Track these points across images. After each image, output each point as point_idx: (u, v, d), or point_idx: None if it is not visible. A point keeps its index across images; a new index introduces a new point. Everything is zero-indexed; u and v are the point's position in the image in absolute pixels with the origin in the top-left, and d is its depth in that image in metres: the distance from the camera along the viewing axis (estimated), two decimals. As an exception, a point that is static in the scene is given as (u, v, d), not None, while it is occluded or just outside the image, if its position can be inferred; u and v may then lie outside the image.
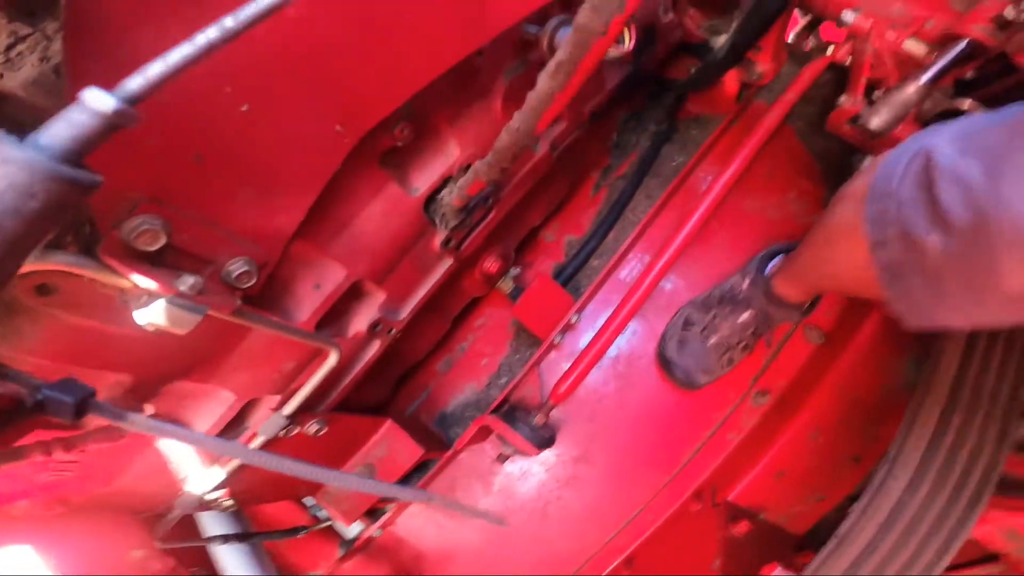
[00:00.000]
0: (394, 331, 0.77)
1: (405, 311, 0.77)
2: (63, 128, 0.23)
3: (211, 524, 1.02)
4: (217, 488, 0.73)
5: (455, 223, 0.71)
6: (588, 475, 1.05)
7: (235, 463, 0.71)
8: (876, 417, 1.05)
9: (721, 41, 0.97)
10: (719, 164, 1.06)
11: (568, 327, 1.03)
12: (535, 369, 1.05)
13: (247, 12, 0.25)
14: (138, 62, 0.25)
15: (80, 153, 0.24)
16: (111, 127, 0.24)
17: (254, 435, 0.70)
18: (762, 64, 0.97)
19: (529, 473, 1.07)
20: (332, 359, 0.68)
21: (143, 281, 0.41)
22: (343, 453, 0.92)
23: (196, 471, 0.71)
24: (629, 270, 1.09)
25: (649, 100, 1.19)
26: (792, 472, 1.07)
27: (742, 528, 1.04)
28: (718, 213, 1.06)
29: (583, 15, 0.34)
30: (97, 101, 0.23)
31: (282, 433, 0.71)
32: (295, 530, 1.05)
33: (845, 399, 1.04)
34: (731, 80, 1.05)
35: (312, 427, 0.77)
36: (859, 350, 1.03)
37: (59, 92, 0.42)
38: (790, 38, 1.12)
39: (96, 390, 0.36)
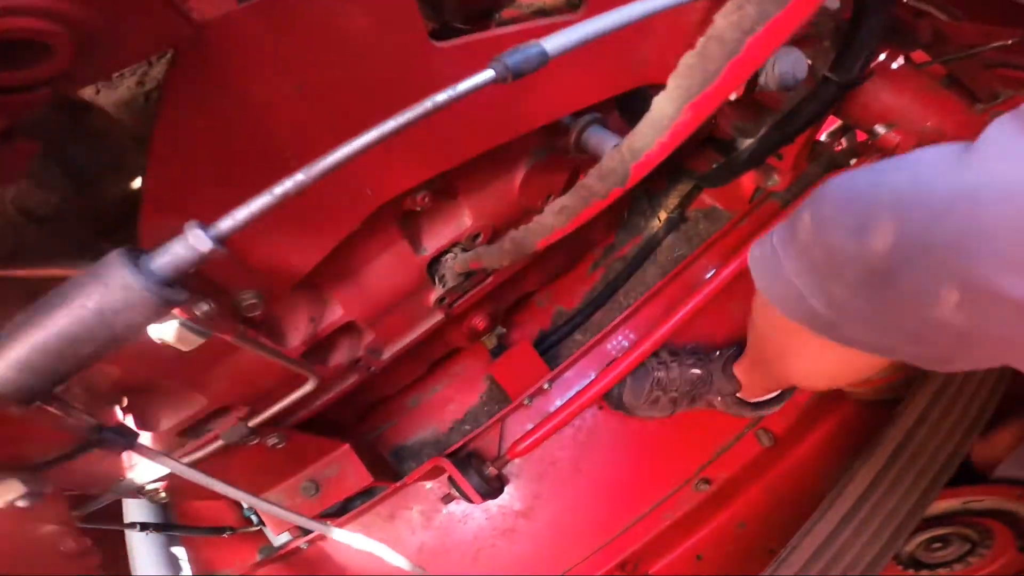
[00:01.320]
0: (373, 369, 0.84)
1: (387, 353, 0.83)
2: (169, 260, 0.30)
3: (135, 510, 1.03)
4: (158, 480, 0.77)
5: (453, 285, 0.78)
6: (525, 530, 1.11)
7: (186, 460, 0.75)
8: (801, 516, 1.11)
9: (747, 143, 1.06)
10: (720, 260, 1.15)
11: (539, 392, 1.10)
12: (499, 423, 1.11)
13: (316, 168, 0.33)
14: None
15: (176, 279, 0.30)
16: (204, 259, 0.31)
17: (215, 437, 0.75)
18: (780, 171, 1.04)
19: (470, 517, 1.12)
20: (309, 385, 0.74)
21: None
22: (295, 466, 0.96)
23: (145, 462, 0.74)
24: (609, 349, 1.16)
25: (666, 184, 1.27)
26: (711, 557, 1.16)
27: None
28: (708, 308, 1.15)
29: (590, 178, 0.40)
30: (197, 240, 0.30)
31: (241, 441, 0.76)
32: (220, 529, 1.07)
33: (777, 497, 1.15)
34: (748, 179, 1.13)
35: (271, 440, 0.82)
36: (801, 457, 1.15)
37: (146, 116, 0.49)
38: (823, 136, 1.22)
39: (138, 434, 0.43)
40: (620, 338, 1.15)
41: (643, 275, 1.21)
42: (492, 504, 1.11)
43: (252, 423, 0.76)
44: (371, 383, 0.97)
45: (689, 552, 1.16)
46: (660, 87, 0.57)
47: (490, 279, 0.85)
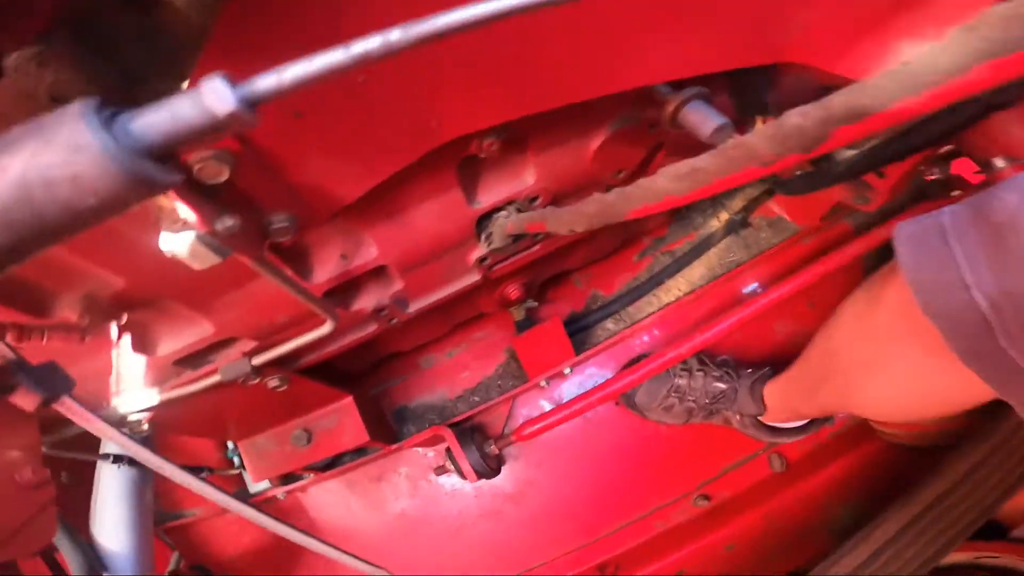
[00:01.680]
0: (395, 321, 0.77)
1: (414, 307, 0.77)
2: (164, 120, 0.20)
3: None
4: (143, 410, 0.72)
5: (498, 246, 0.71)
6: (512, 515, 1.07)
7: (175, 392, 0.69)
8: (791, 547, 1.12)
9: (847, 155, 0.95)
10: (776, 274, 1.07)
11: (558, 375, 1.04)
12: (510, 401, 1.06)
13: (418, 29, 0.25)
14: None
15: (170, 150, 0.21)
16: (219, 129, 0.21)
17: (214, 371, 0.70)
18: (876, 192, 0.93)
19: (459, 493, 1.09)
20: (325, 328, 0.68)
21: (185, 211, 0.40)
22: (290, 411, 0.92)
23: (133, 389, 0.69)
24: (638, 344, 1.10)
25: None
26: (693, 574, 1.12)
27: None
28: (753, 323, 1.08)
29: (756, 137, 0.30)
30: (215, 98, 0.20)
31: (241, 380, 0.71)
32: (198, 469, 1.03)
33: (774, 525, 1.11)
34: (831, 194, 1.04)
35: (273, 381, 0.77)
36: (810, 489, 1.10)
37: (214, 13, 0.42)
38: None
39: (75, 383, 0.36)
40: (653, 334, 1.09)
41: (690, 273, 1.14)
42: (484, 483, 1.07)
43: (256, 361, 0.70)
44: (388, 335, 0.91)
45: (671, 566, 1.13)
46: (796, 68, 0.46)
47: (537, 247, 0.78)
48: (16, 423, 0.72)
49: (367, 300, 0.74)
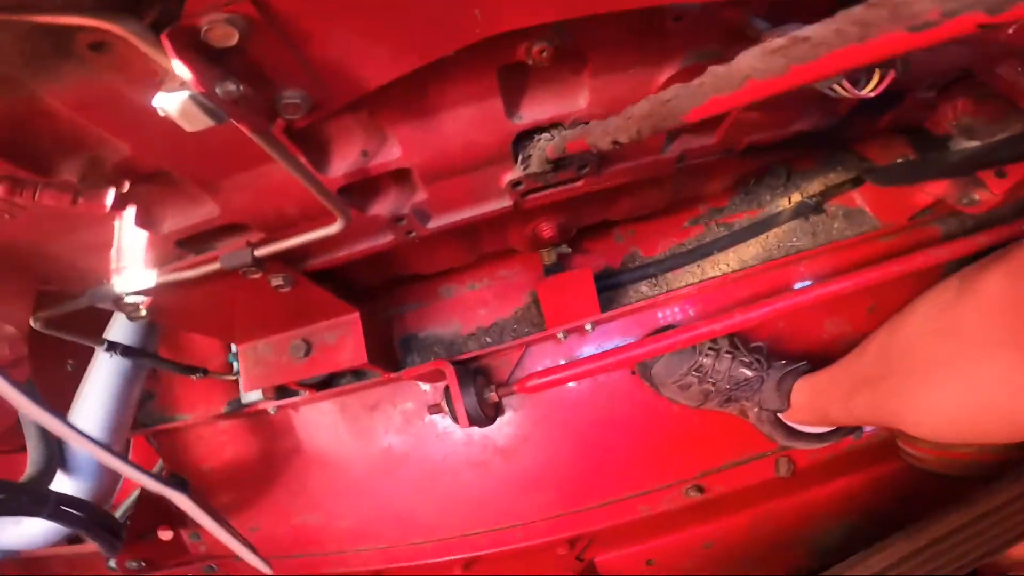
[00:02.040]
0: (414, 235, 0.74)
1: (435, 223, 0.72)
2: None
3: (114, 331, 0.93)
4: (141, 292, 0.69)
5: (536, 171, 0.65)
6: (498, 470, 1.05)
7: (173, 276, 0.66)
8: (768, 558, 1.09)
9: (965, 144, 0.83)
10: (840, 268, 0.98)
11: (578, 330, 0.99)
12: (523, 348, 1.02)
13: None
14: None
15: None
16: None
17: (214, 259, 0.67)
18: (990, 192, 0.82)
19: (448, 436, 1.07)
20: (335, 227, 0.64)
21: (181, 69, 0.37)
22: (293, 319, 0.90)
23: (133, 267, 0.66)
24: (667, 315, 1.03)
25: (816, 165, 1.07)
26: (662, 566, 1.11)
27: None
28: (802, 315, 1.00)
29: None
30: None
31: (242, 271, 0.68)
32: (193, 369, 1.00)
33: (759, 532, 1.08)
34: (929, 191, 0.92)
35: (277, 280, 0.75)
36: (811, 501, 1.06)
37: None
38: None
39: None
40: (687, 306, 1.02)
41: (743, 251, 1.05)
42: (476, 431, 1.05)
43: (260, 252, 0.67)
44: (407, 253, 0.88)
45: (642, 554, 1.12)
46: None
47: (579, 184, 0.71)
48: (13, 293, 0.72)
49: (385, 206, 0.70)
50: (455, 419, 0.89)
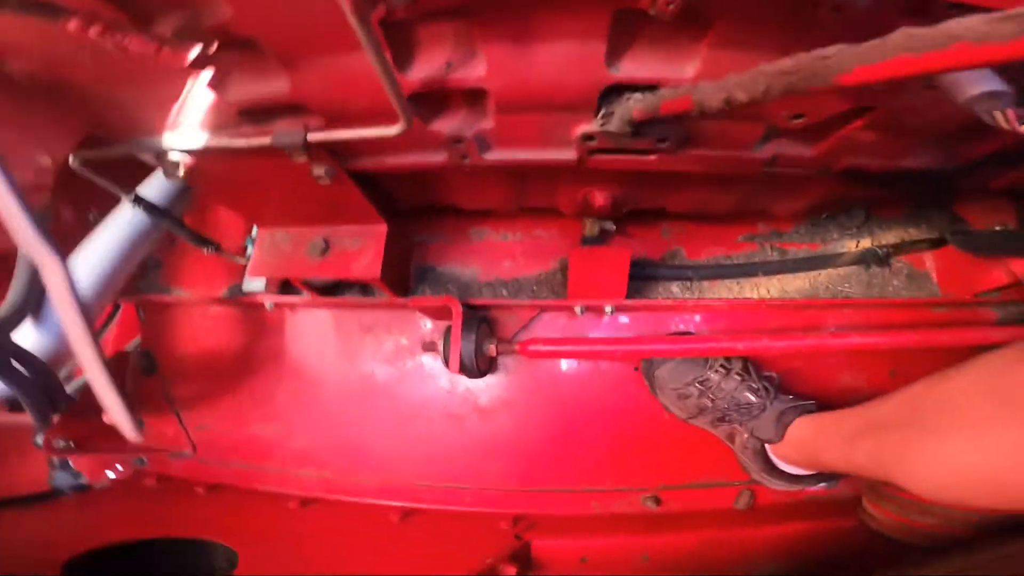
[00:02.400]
0: (468, 160, 0.70)
1: (493, 155, 0.69)
2: None
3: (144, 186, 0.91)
4: (188, 151, 0.69)
5: (613, 130, 0.61)
6: (471, 427, 1.03)
7: (224, 141, 0.65)
8: None
9: None
10: (881, 327, 0.93)
11: (597, 309, 0.97)
12: (536, 311, 1.00)
13: None
14: None
15: None
16: None
17: (267, 134, 0.65)
18: None
19: (433, 380, 1.04)
20: (395, 129, 0.61)
21: None
22: (324, 214, 0.88)
23: (188, 126, 0.66)
24: (688, 323, 1.00)
25: (899, 215, 1.01)
26: (595, 566, 1.06)
27: (510, 571, 1.07)
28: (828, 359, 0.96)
29: None
30: None
31: (289, 152, 0.66)
32: (206, 242, 0.98)
33: (699, 556, 1.04)
34: (1014, 268, 0.87)
35: (320, 170, 0.72)
36: (757, 538, 1.03)
37: None
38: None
39: None
40: (713, 321, 0.99)
41: (789, 281, 1.01)
42: (462, 382, 1.03)
43: (313, 137, 0.65)
44: (453, 181, 0.85)
45: (580, 550, 1.09)
46: None
47: (653, 158, 0.67)
48: (63, 122, 0.70)
49: (449, 124, 0.66)
50: (446, 362, 0.87)
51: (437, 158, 0.71)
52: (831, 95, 0.55)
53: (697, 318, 1.00)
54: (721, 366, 0.93)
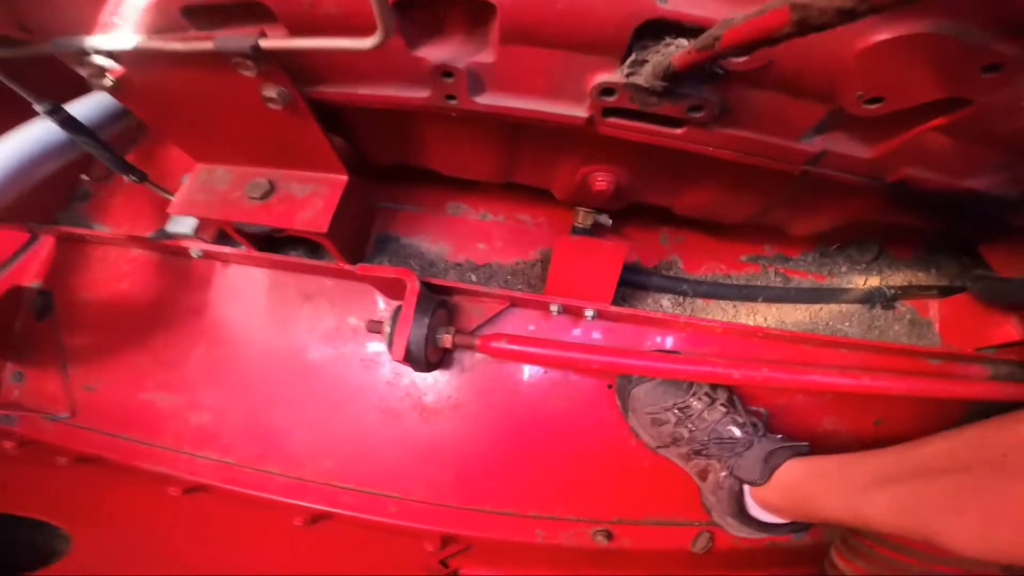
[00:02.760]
0: (456, 103, 0.57)
1: (486, 99, 0.56)
2: None
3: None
4: (114, 53, 0.58)
5: (640, 84, 0.49)
6: (408, 427, 0.88)
7: (158, 44, 0.54)
8: None
9: None
10: (876, 370, 0.85)
11: (576, 311, 0.85)
12: (506, 303, 0.87)
13: None
14: None
15: None
16: None
17: (209, 38, 0.52)
18: None
19: (373, 366, 0.89)
20: (369, 42, 0.48)
21: None
22: (277, 150, 0.73)
23: (121, 24, 0.55)
24: (678, 340, 0.89)
25: (910, 255, 0.93)
26: None
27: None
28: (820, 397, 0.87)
29: None
30: None
31: (236, 62, 0.53)
32: (130, 168, 0.81)
33: None
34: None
35: (272, 91, 0.59)
36: None
37: None
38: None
39: None
40: (700, 343, 0.88)
41: (788, 311, 0.91)
42: (407, 375, 0.89)
43: (266, 43, 0.52)
44: (433, 134, 0.72)
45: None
46: None
47: (680, 131, 0.56)
48: None
49: (440, 50, 0.54)
50: (390, 346, 0.73)
51: (418, 94, 0.58)
52: (943, 77, 0.45)
53: (683, 336, 0.89)
54: (705, 394, 0.83)
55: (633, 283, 0.88)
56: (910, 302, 0.92)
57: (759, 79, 0.48)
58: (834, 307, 0.91)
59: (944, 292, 0.90)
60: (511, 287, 0.88)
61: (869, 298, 0.90)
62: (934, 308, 0.92)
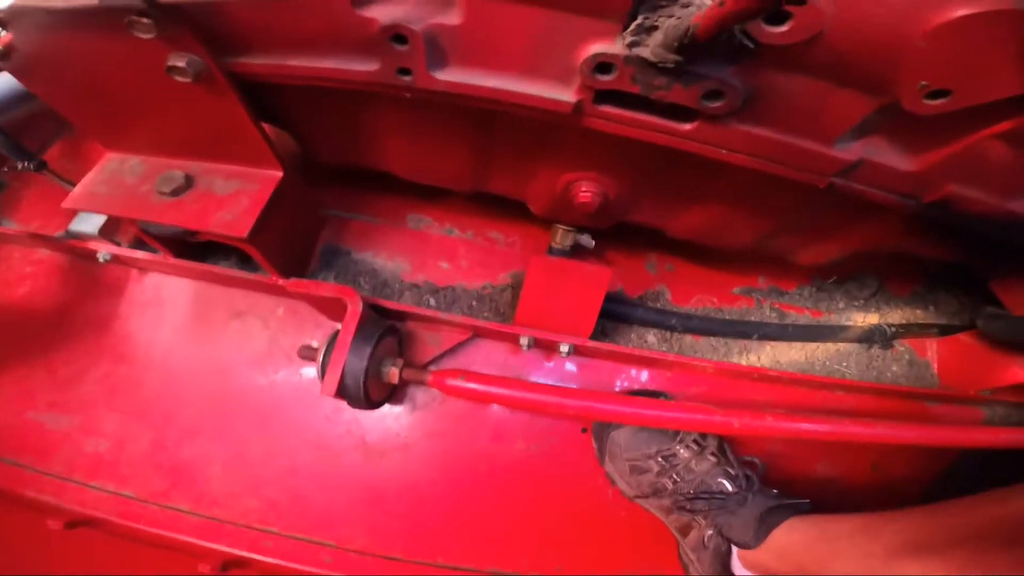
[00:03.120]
0: (411, 79, 0.45)
1: (447, 75, 0.44)
2: None
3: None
4: None
5: (646, 59, 0.38)
6: (347, 469, 0.74)
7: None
8: None
9: None
10: (873, 413, 0.75)
11: (551, 346, 0.72)
12: (468, 333, 0.73)
13: None
14: None
15: None
16: None
17: None
18: None
19: (310, 396, 0.74)
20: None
21: None
22: (199, 139, 0.59)
23: None
24: (663, 378, 0.77)
25: (908, 292, 0.84)
26: None
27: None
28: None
29: None
30: None
31: (129, 22, 0.41)
32: (27, 155, 0.72)
33: None
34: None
35: (180, 60, 0.46)
36: None
37: None
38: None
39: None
40: (688, 384, 0.76)
41: (783, 350, 0.81)
42: (348, 408, 0.70)
43: None
44: (385, 127, 0.59)
45: None
46: None
47: (688, 127, 0.44)
48: None
49: (393, 8, 0.41)
50: (321, 377, 0.58)
51: (364, 67, 0.45)
52: (1018, 64, 0.34)
53: (668, 375, 0.77)
54: (694, 441, 0.72)
55: (615, 315, 0.76)
56: (908, 341, 0.83)
57: (800, 58, 0.37)
58: (831, 346, 0.81)
59: (943, 331, 0.82)
60: (476, 314, 0.75)
61: (869, 337, 0.81)
62: (932, 348, 0.84)
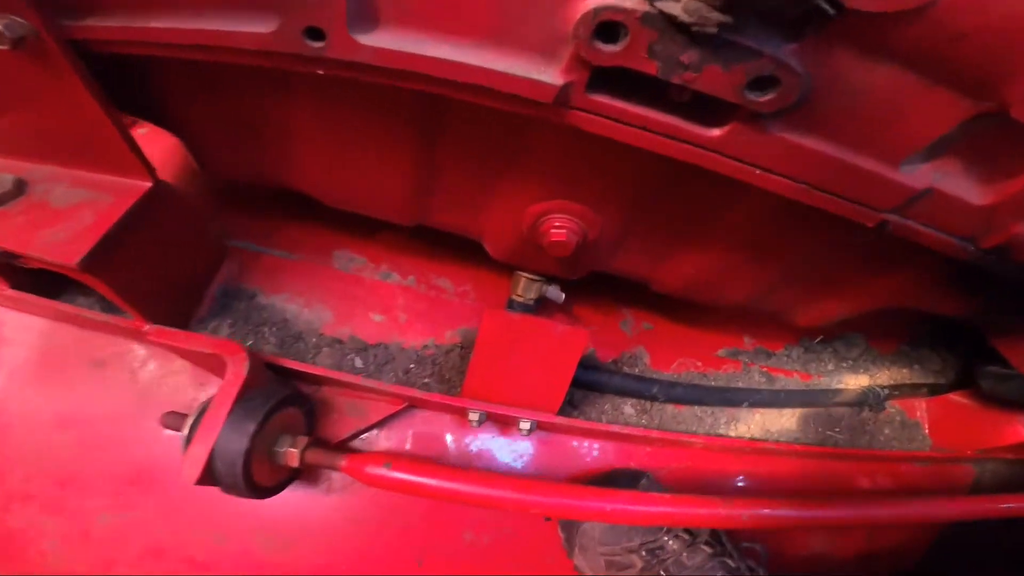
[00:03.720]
0: (324, 46, 0.30)
1: (378, 40, 0.29)
2: None
3: None
4: None
5: (679, 18, 0.25)
6: (236, 557, 0.55)
7: None
8: None
9: None
10: (861, 477, 0.64)
11: (506, 420, 0.55)
12: (402, 405, 0.56)
13: None
14: None
15: None
16: None
17: None
18: None
19: (175, 457, 0.55)
20: None
21: None
22: (29, 132, 0.42)
23: None
24: (643, 454, 0.62)
25: (894, 350, 0.75)
26: None
27: None
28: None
29: None
30: None
31: None
32: None
33: None
34: None
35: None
36: None
37: None
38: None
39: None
40: (671, 462, 0.62)
41: (774, 418, 0.69)
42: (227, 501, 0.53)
43: None
44: (299, 148, 0.44)
45: None
46: None
47: (715, 133, 0.31)
48: None
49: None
50: (184, 450, 0.40)
51: (256, 28, 0.30)
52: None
53: (647, 450, 0.62)
54: (684, 529, 0.56)
55: (588, 383, 0.61)
56: (898, 403, 0.75)
57: (894, 37, 0.25)
58: (824, 412, 0.70)
59: (932, 391, 0.74)
60: (414, 380, 0.58)
61: (862, 400, 0.72)
62: (921, 408, 0.78)
